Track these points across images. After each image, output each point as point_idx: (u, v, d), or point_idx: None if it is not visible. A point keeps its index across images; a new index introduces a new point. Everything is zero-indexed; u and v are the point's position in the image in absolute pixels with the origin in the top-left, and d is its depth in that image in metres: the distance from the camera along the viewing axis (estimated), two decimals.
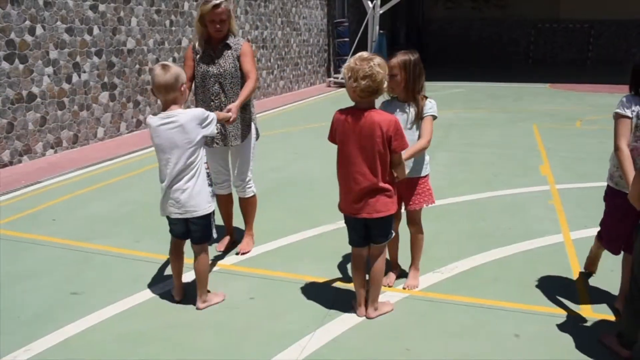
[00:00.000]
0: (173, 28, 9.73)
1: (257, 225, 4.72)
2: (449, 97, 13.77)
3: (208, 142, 3.82)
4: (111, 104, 8.36)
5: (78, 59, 7.67)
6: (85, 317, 3.20)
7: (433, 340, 2.98)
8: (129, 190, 5.85)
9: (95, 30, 7.96)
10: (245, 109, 3.91)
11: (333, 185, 3.38)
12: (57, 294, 3.51)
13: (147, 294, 3.50)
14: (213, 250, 4.15)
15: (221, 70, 3.79)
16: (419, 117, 3.34)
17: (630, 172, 2.89)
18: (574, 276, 3.76)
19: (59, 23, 7.33)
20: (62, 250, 4.21)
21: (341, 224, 4.59)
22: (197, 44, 3.84)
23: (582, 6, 24.74)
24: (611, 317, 3.20)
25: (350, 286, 3.59)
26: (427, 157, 3.47)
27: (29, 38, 6.89)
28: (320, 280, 3.70)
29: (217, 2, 3.63)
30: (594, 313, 3.27)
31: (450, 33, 26.69)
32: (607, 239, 3.37)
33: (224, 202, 4.23)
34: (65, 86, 7.50)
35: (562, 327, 3.11)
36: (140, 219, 4.94)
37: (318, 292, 3.53)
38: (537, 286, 3.62)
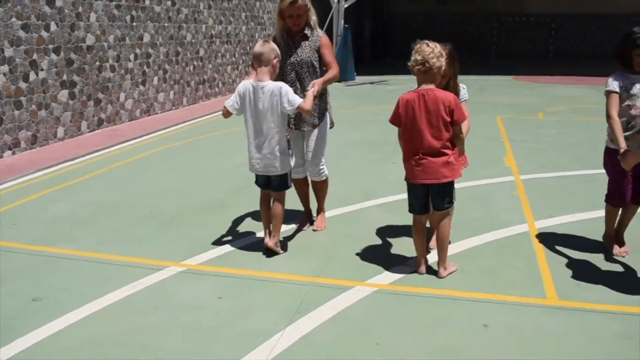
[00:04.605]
0: (134, 23, 9.53)
1: (226, 224, 4.68)
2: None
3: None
4: (71, 102, 8.14)
5: (35, 56, 7.43)
6: (49, 323, 3.10)
7: (403, 334, 2.99)
8: (91, 191, 5.70)
9: (53, 27, 7.72)
10: (322, 97, 4.21)
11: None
12: (19, 301, 3.39)
13: (113, 297, 3.41)
14: (199, 243, 4.08)
15: (298, 59, 4.12)
16: None
17: (620, 136, 3.53)
18: (540, 265, 3.82)
19: (14, 19, 7.08)
20: (22, 256, 4.07)
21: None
22: (277, 37, 4.17)
23: (545, 0, 25.22)
24: (575, 304, 3.27)
25: (320, 281, 3.59)
26: None
27: None
28: (289, 277, 3.67)
29: None
30: (559, 300, 3.33)
31: (414, 26, 26.82)
32: (617, 196, 3.85)
33: (301, 185, 4.48)
34: (22, 85, 7.26)
35: (529, 315, 3.16)
36: (103, 220, 4.82)
37: (287, 290, 3.50)
38: (504, 276, 3.66)
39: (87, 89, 8.46)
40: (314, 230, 4.52)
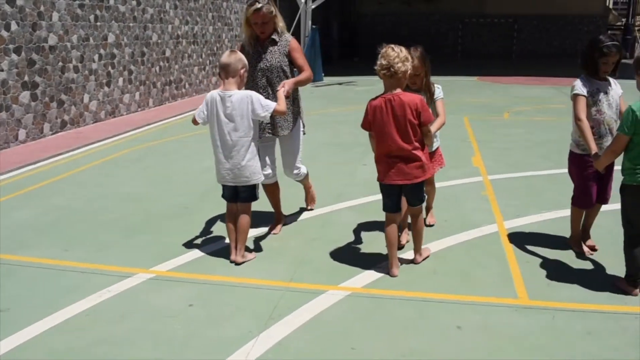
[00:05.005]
0: (98, 23, 9.31)
1: (196, 229, 4.60)
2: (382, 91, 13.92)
3: (259, 132, 4.08)
4: (33, 104, 7.90)
5: None
6: (12, 336, 2.98)
7: (377, 337, 2.98)
8: (55, 196, 5.54)
9: (14, 26, 7.48)
10: (294, 102, 4.25)
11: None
12: None
13: (79, 306, 3.31)
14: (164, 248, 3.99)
15: (268, 65, 4.12)
16: None
17: (591, 139, 3.63)
18: (510, 265, 3.86)
19: None
20: None
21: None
22: (246, 44, 4.18)
23: (506, 1, 25.70)
24: (546, 303, 3.31)
25: (293, 286, 3.55)
26: (437, 134, 4.09)
27: None
28: (262, 282, 3.63)
29: (258, 6, 3.96)
30: (530, 300, 3.37)
31: (381, 27, 27.05)
32: (584, 198, 3.92)
33: (271, 190, 4.45)
34: None
35: (502, 315, 3.19)
36: (68, 226, 4.69)
37: (260, 295, 3.45)
38: (475, 277, 3.69)
39: (50, 90, 8.23)
40: (309, 209, 4.93)
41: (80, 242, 4.32)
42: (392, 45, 3.47)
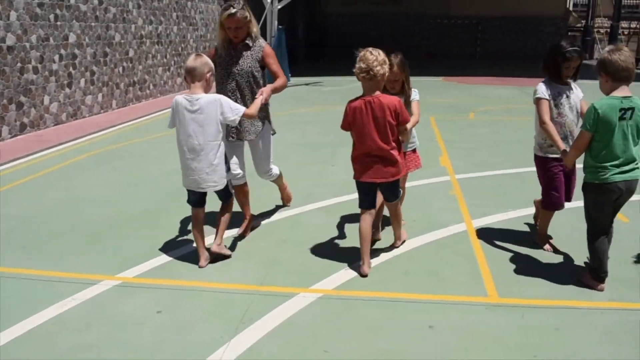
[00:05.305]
0: (58, 23, 9.06)
1: (162, 233, 4.52)
2: (350, 91, 13.95)
3: (224, 135, 4.00)
4: None
5: None
6: None
7: (350, 339, 2.96)
8: (15, 201, 5.35)
9: None
10: (262, 106, 4.12)
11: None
12: None
13: (42, 316, 3.19)
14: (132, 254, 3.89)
15: (239, 69, 4.12)
16: None
17: (558, 138, 3.72)
18: (479, 263, 3.90)
19: None
20: None
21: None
22: (219, 47, 4.17)
23: (470, 3, 26.09)
24: (515, 300, 3.36)
25: (264, 289, 3.51)
26: (415, 135, 4.33)
27: None
28: (231, 286, 3.57)
29: (233, 11, 3.97)
30: (500, 298, 3.41)
31: (347, 27, 27.12)
32: (550, 200, 3.99)
33: (241, 191, 4.40)
34: None
35: (473, 314, 3.22)
36: (30, 233, 4.53)
37: (230, 300, 3.40)
38: (446, 276, 3.72)
39: (8, 91, 7.96)
40: (287, 205, 5.01)
41: (43, 248, 4.19)
42: (370, 49, 3.54)
